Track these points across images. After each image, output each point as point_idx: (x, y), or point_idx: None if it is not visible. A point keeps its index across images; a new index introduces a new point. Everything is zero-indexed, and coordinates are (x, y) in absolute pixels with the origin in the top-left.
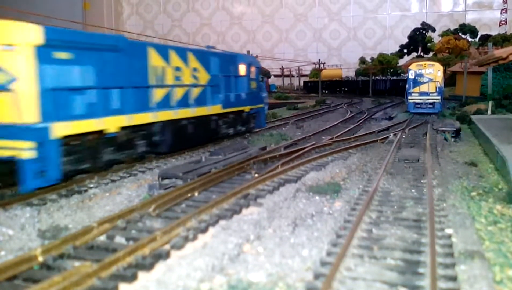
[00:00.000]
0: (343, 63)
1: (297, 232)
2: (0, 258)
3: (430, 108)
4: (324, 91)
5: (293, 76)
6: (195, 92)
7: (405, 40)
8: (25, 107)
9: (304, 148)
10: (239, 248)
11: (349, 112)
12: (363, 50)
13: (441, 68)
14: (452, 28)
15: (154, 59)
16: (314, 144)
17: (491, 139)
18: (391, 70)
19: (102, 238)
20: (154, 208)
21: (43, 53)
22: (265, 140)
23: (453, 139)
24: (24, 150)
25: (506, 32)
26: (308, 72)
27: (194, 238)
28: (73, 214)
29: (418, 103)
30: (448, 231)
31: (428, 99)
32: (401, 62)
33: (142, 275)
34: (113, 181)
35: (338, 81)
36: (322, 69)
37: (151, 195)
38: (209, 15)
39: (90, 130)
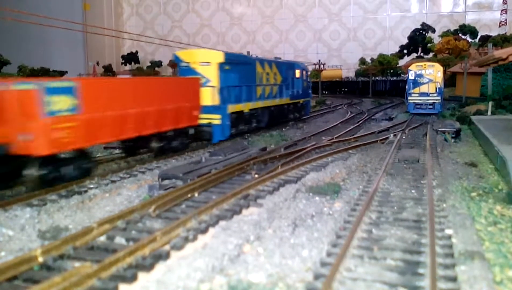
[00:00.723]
0: (343, 63)
1: (297, 233)
2: (0, 259)
3: (430, 108)
4: (324, 92)
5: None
6: (276, 89)
7: (405, 41)
8: (214, 96)
9: (304, 148)
10: (239, 248)
11: (349, 113)
12: (363, 50)
13: (441, 68)
14: (452, 29)
15: (258, 68)
16: (314, 144)
17: (491, 139)
18: (391, 71)
19: (102, 238)
20: (154, 209)
21: (221, 67)
22: (265, 140)
23: (453, 140)
24: (215, 119)
25: (506, 32)
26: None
27: (194, 238)
28: (73, 215)
29: (418, 104)
30: (448, 231)
31: (428, 99)
32: (401, 62)
33: (142, 275)
34: (113, 181)
35: (338, 82)
36: (322, 70)
37: (151, 196)
38: (209, 16)
39: (238, 110)
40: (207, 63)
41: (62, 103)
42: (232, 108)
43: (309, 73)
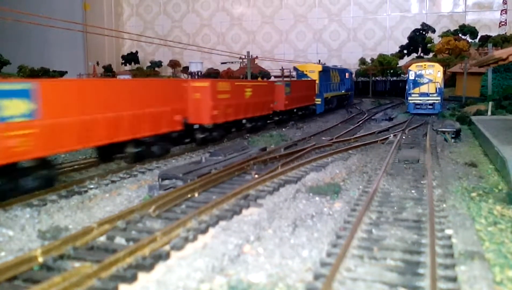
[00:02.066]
0: (343, 63)
1: (297, 233)
2: (0, 259)
3: (430, 109)
4: None
5: (293, 77)
6: (337, 85)
7: (405, 41)
8: (317, 88)
9: (304, 149)
10: (239, 248)
11: (349, 113)
12: (363, 51)
13: (441, 69)
14: (452, 29)
15: (331, 73)
16: (314, 145)
17: (491, 140)
18: (391, 71)
19: (102, 238)
20: (154, 209)
21: (320, 73)
22: (265, 141)
23: (453, 140)
24: (318, 101)
25: (506, 33)
26: None
27: (194, 238)
28: (73, 215)
29: (418, 104)
30: (448, 231)
31: (428, 100)
32: (401, 63)
33: (142, 275)
34: (113, 182)
35: None
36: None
37: (151, 196)
38: (209, 16)
39: (325, 97)
40: (313, 71)
41: (15, 108)
42: (325, 95)
43: (353, 75)
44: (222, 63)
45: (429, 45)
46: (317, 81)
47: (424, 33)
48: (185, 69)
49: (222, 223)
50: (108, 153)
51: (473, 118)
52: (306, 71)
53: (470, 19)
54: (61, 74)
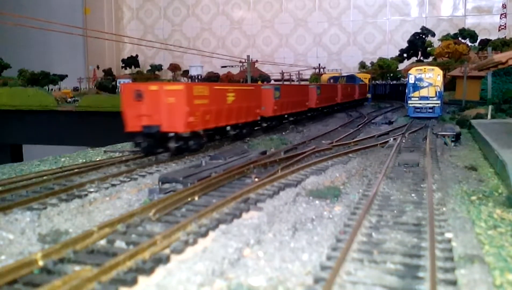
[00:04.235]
0: (343, 67)
1: (297, 237)
2: (1, 262)
3: (430, 112)
4: None
5: (293, 81)
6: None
7: (404, 45)
8: (368, 89)
9: (304, 152)
10: (239, 252)
11: (349, 117)
12: (363, 54)
13: (440, 72)
14: (451, 33)
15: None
16: (314, 148)
17: (491, 143)
18: (391, 75)
19: (102, 242)
20: (154, 213)
21: (370, 80)
22: (265, 144)
23: (453, 144)
24: (369, 95)
25: (505, 36)
26: (308, 77)
27: (194, 242)
28: (73, 219)
29: (418, 108)
30: (448, 235)
31: (428, 103)
32: (401, 66)
33: (142, 279)
34: (113, 185)
35: None
36: (322, 74)
37: (151, 200)
38: (209, 20)
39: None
40: (364, 79)
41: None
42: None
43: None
44: (222, 67)
45: (429, 48)
46: (368, 84)
47: (424, 36)
48: (186, 73)
49: (222, 227)
50: (215, 134)
51: (473, 121)
52: (365, 78)
53: (469, 23)
54: (61, 78)
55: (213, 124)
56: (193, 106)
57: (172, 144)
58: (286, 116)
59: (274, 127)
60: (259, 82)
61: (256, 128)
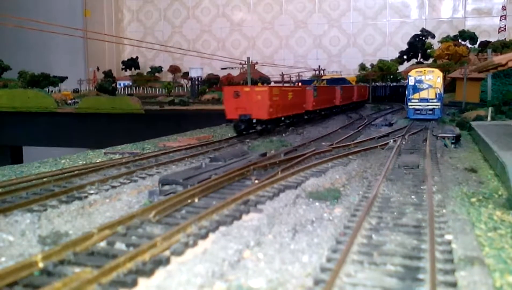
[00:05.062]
0: (343, 69)
1: (297, 238)
2: (1, 264)
3: (429, 114)
4: None
5: (293, 83)
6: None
7: (404, 47)
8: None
9: (304, 154)
10: (239, 254)
11: (349, 118)
12: (363, 56)
13: (440, 74)
14: (451, 35)
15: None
16: (314, 150)
17: (491, 145)
18: (391, 77)
19: (103, 244)
20: (154, 214)
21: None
22: (265, 146)
23: (453, 145)
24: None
25: (505, 38)
26: (307, 79)
27: (194, 244)
28: (73, 220)
29: (418, 110)
30: (448, 237)
31: (427, 105)
32: (401, 68)
33: (142, 281)
34: (113, 187)
35: None
36: (322, 75)
37: (151, 201)
38: (209, 22)
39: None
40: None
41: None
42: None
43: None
44: (222, 68)
45: (428, 50)
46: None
47: (423, 38)
48: (185, 75)
49: (222, 229)
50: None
51: (473, 123)
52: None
53: (469, 24)
54: (62, 79)
55: (281, 114)
56: (272, 101)
57: (259, 127)
58: (317, 110)
59: (312, 119)
60: (259, 84)
61: (301, 118)
